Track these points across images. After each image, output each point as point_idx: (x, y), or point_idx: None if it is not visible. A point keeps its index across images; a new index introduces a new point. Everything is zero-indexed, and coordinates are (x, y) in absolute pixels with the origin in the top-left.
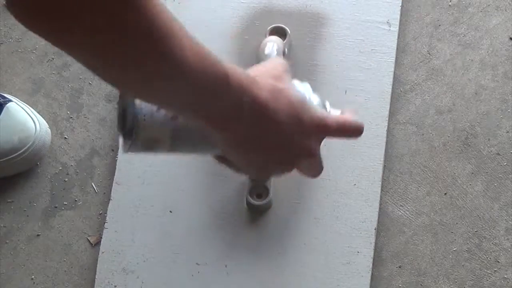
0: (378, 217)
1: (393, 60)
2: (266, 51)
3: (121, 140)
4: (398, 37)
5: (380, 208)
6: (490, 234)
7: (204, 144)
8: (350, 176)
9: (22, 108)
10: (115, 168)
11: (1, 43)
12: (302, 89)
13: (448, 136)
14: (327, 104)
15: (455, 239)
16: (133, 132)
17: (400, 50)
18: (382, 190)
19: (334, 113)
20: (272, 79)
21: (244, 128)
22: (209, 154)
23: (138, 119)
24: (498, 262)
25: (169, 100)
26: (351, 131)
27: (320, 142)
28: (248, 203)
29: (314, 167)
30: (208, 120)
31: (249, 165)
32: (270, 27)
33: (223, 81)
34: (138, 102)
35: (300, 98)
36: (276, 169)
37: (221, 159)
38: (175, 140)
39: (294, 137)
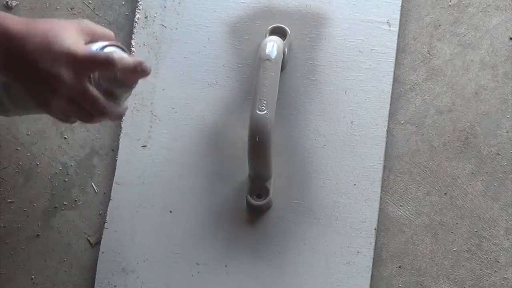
0: (378, 217)
1: (393, 60)
2: (266, 51)
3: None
4: (398, 37)
5: (380, 208)
6: (490, 234)
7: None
8: (350, 176)
9: None
10: (115, 168)
11: None
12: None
13: (448, 136)
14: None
15: (455, 239)
16: None
17: (400, 50)
18: (382, 190)
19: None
20: (44, 23)
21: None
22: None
23: None
24: (498, 262)
25: None
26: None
27: (81, 77)
28: (248, 203)
29: (75, 108)
30: None
31: (29, 96)
32: (270, 27)
33: None
34: None
35: (57, 28)
36: (41, 99)
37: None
38: (11, 97)
39: (40, 65)
